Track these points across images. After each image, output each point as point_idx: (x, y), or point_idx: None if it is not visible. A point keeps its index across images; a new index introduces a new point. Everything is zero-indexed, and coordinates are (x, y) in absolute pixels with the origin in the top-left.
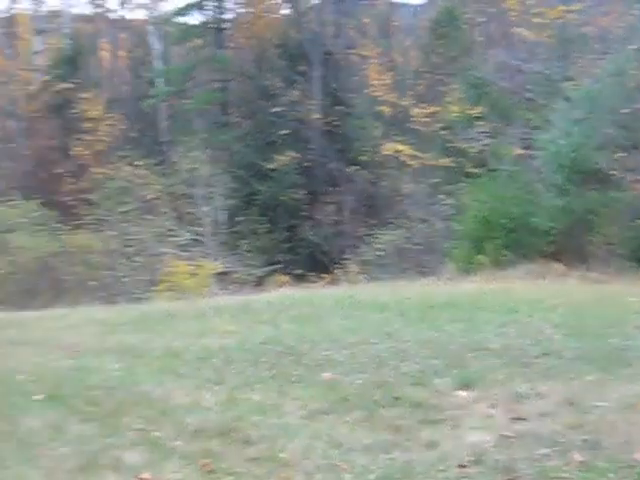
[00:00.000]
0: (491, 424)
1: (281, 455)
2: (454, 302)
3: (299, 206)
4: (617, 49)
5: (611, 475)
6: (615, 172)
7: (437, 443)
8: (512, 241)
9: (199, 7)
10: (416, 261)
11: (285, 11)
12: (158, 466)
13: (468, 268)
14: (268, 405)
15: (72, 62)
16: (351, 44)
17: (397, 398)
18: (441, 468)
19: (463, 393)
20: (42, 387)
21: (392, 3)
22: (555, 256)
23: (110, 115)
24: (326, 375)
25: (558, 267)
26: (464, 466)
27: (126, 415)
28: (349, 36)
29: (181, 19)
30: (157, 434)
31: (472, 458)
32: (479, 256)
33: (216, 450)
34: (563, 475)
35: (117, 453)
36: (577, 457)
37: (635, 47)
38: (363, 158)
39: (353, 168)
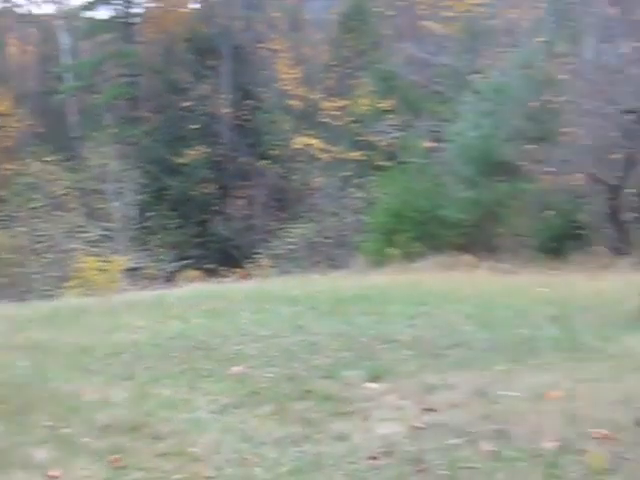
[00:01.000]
0: (401, 416)
1: (191, 450)
2: (365, 295)
3: (210, 201)
4: (525, 42)
5: (520, 464)
6: (524, 164)
7: (347, 435)
8: (422, 233)
9: (107, 1)
10: (327, 254)
11: (194, 5)
12: (67, 463)
13: (379, 261)
14: (178, 400)
15: None
16: (261, 38)
17: (308, 391)
18: (351, 460)
19: (373, 385)
20: None
21: None
22: (465, 248)
23: (18, 111)
24: (237, 369)
25: (468, 259)
26: (374, 458)
27: (35, 412)
28: (258, 30)
29: (89, 13)
30: (66, 431)
31: (382, 450)
32: (390, 249)
33: (126, 446)
34: (472, 465)
35: (26, 451)
36: (486, 447)
37: (542, 40)
38: (274, 152)
39: (264, 162)
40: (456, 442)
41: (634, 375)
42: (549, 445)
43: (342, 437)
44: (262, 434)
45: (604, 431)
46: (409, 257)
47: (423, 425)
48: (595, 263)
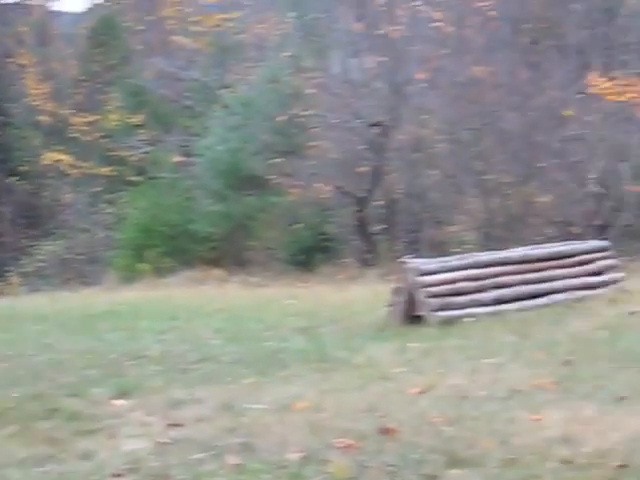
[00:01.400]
0: (148, 432)
1: None
2: (115, 311)
3: None
4: (272, 56)
5: (264, 476)
6: (273, 177)
7: (93, 453)
8: (173, 248)
9: None
10: (79, 271)
11: None
12: None
13: (130, 277)
14: None
15: None
16: (8, 53)
17: (53, 410)
18: (95, 478)
19: (120, 402)
20: None
21: (50, 11)
22: (216, 262)
23: None
24: None
25: (219, 273)
26: (119, 475)
27: None
28: (6, 45)
29: None
30: None
31: (127, 466)
32: (140, 264)
33: None
34: (217, 478)
35: None
36: (232, 460)
37: (289, 54)
38: (23, 168)
39: (13, 179)
40: (201, 456)
41: (378, 384)
42: (294, 456)
43: (87, 455)
44: (5, 456)
45: (348, 440)
46: (160, 272)
47: (169, 440)
48: (343, 275)
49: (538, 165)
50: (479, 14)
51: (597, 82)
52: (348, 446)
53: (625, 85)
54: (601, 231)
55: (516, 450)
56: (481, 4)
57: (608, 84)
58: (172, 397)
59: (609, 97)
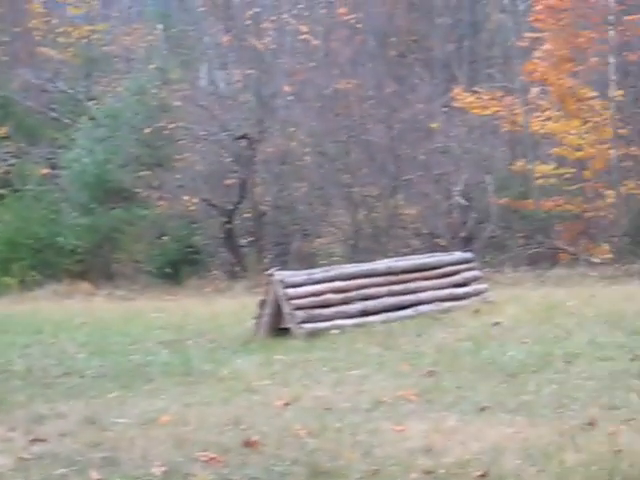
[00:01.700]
0: (10, 447)
1: None
2: None
3: None
4: (139, 68)
5: None
6: (140, 190)
7: None
8: (39, 261)
9: None
10: None
11: None
12: None
13: None
14: None
15: None
16: None
17: None
18: None
19: None
20: None
21: None
22: (83, 275)
23: None
24: None
25: (86, 286)
26: None
27: None
28: None
29: None
30: None
31: None
32: (5, 278)
33: None
34: None
35: None
36: (95, 475)
37: (156, 66)
38: None
39: None
40: (64, 472)
41: (242, 397)
42: (157, 470)
43: None
44: None
45: (211, 454)
46: (26, 286)
47: (31, 456)
48: (211, 287)
49: (404, 178)
50: (346, 27)
51: (462, 96)
52: (212, 459)
53: (489, 99)
54: (466, 243)
55: (379, 461)
56: (348, 17)
57: (472, 98)
58: (35, 412)
59: (474, 111)
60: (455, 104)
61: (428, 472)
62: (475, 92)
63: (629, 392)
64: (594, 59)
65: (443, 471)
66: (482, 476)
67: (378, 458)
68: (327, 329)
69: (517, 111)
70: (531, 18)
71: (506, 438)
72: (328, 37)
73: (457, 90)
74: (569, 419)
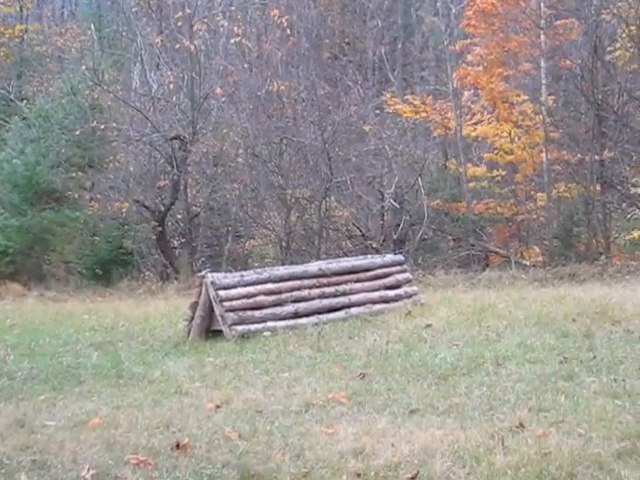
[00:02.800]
0: None
1: None
2: None
3: None
4: (72, 69)
5: None
6: (71, 191)
7: None
8: None
9: None
10: None
11: None
12: None
13: None
14: None
15: None
16: None
17: None
18: None
19: None
20: None
21: None
22: (13, 276)
23: None
24: None
25: (16, 287)
26: None
27: None
28: None
29: None
30: None
31: None
32: None
33: None
34: None
35: None
36: (24, 478)
37: (88, 67)
38: None
39: None
40: None
41: (173, 400)
42: (87, 473)
43: None
44: None
45: (142, 457)
46: None
47: None
48: (143, 289)
49: (337, 180)
50: (279, 29)
51: (392, 102)
52: (142, 462)
53: (421, 103)
54: (398, 245)
55: (310, 464)
56: (281, 19)
57: (403, 105)
58: None
59: (406, 115)
60: (387, 109)
61: (358, 475)
62: (406, 98)
63: (558, 394)
64: (525, 64)
65: (373, 474)
66: (412, 478)
67: (309, 461)
68: (259, 331)
69: (449, 114)
70: (463, 23)
71: (436, 440)
72: (261, 39)
73: (388, 95)
74: (499, 421)
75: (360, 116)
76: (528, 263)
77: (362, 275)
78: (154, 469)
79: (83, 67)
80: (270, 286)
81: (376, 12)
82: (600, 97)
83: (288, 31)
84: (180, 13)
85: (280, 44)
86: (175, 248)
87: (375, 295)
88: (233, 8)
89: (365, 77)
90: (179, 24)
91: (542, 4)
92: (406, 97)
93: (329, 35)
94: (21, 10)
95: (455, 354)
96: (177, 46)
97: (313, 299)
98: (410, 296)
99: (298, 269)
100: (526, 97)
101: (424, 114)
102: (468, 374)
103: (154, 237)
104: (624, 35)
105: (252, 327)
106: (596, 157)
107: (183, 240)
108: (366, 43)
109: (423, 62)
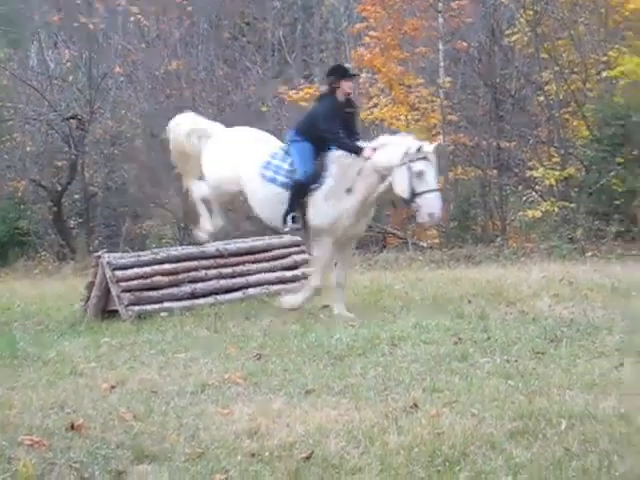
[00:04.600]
0: None
1: None
2: None
3: None
4: None
5: None
6: None
7: None
8: None
9: None
10: None
11: None
12: None
13: None
14: None
15: None
16: None
17: None
18: None
19: None
20: None
21: None
22: None
23: None
24: None
25: None
26: None
27: None
28: None
29: None
30: None
31: None
32: None
33: None
34: None
35: None
36: None
37: None
38: None
39: None
40: None
41: (68, 380)
42: None
43: None
44: None
45: (35, 438)
46: None
47: None
48: (40, 269)
49: None
50: (177, 8)
51: (289, 94)
52: (36, 443)
53: (317, 91)
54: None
55: (204, 444)
56: None
57: (301, 93)
58: None
59: (301, 103)
60: (284, 97)
61: (253, 455)
62: (302, 86)
63: (452, 375)
64: (422, 47)
65: (268, 453)
66: (307, 458)
67: (203, 441)
68: (155, 312)
69: None
70: (359, 7)
71: (331, 420)
72: (160, 18)
73: (282, 88)
74: (393, 402)
75: (259, 97)
76: (425, 245)
77: (260, 256)
78: (48, 450)
79: None
80: (167, 266)
81: None
82: (497, 80)
83: (187, 10)
84: None
85: (179, 24)
86: (72, 228)
87: (273, 276)
88: None
89: (264, 58)
90: (77, 2)
91: None
92: (302, 86)
93: (228, 15)
94: None
95: (351, 335)
96: (75, 24)
97: (210, 280)
98: (308, 277)
99: (195, 250)
100: (423, 80)
101: None
102: (364, 354)
103: (51, 217)
104: (522, 19)
105: (149, 307)
106: (493, 140)
107: (80, 220)
108: (265, 24)
109: (322, 44)
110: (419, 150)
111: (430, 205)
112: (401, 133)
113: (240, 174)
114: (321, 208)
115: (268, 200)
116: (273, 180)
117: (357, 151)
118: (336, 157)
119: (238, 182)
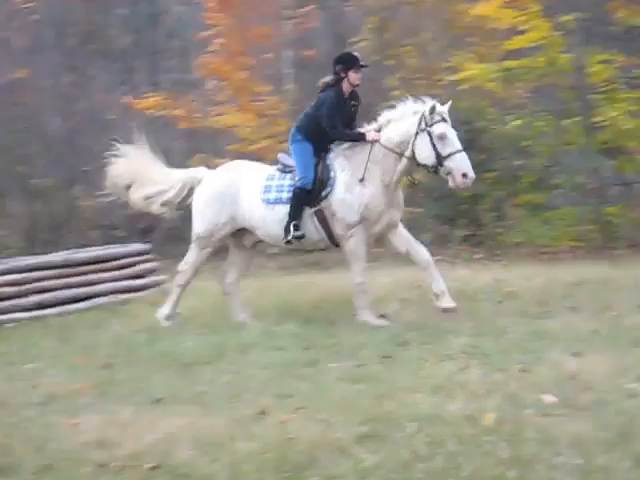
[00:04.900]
0: None
1: None
2: None
3: None
4: None
5: None
6: None
7: None
8: None
9: None
10: None
11: None
12: None
13: None
14: None
15: None
16: None
17: None
18: None
19: None
20: None
21: None
22: None
23: None
24: None
25: None
26: None
27: None
28: None
29: None
30: None
31: None
32: None
33: None
34: None
35: None
36: None
37: None
38: None
39: None
40: None
41: None
42: None
43: None
44: None
45: None
46: None
47: None
48: None
49: (82, 169)
50: (21, 15)
51: (135, 103)
52: None
53: (164, 99)
54: (145, 234)
55: (52, 456)
56: (24, 5)
57: (147, 102)
58: None
59: (150, 111)
60: (131, 106)
61: (101, 465)
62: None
63: (301, 380)
64: (268, 54)
65: (116, 464)
66: (155, 467)
67: (51, 453)
68: (2, 322)
69: (193, 106)
70: (206, 15)
71: (180, 429)
72: (4, 25)
73: (128, 98)
74: (242, 408)
75: (105, 105)
76: (274, 251)
77: (107, 265)
78: None
79: None
80: (13, 277)
81: (122, 0)
82: None
83: (31, 17)
84: None
85: (23, 31)
86: None
87: (120, 285)
88: None
89: (111, 66)
90: None
91: None
92: (149, 95)
93: (74, 23)
94: None
95: (200, 343)
96: None
97: (58, 290)
98: (156, 285)
99: (42, 259)
100: (270, 87)
101: (169, 110)
102: (212, 362)
103: None
104: (368, 26)
105: None
106: None
107: None
108: (112, 31)
109: (169, 51)
110: (433, 111)
111: (462, 166)
112: (397, 101)
113: (239, 212)
114: (344, 203)
115: (280, 221)
116: (279, 200)
117: (359, 138)
118: (341, 150)
119: (236, 222)
